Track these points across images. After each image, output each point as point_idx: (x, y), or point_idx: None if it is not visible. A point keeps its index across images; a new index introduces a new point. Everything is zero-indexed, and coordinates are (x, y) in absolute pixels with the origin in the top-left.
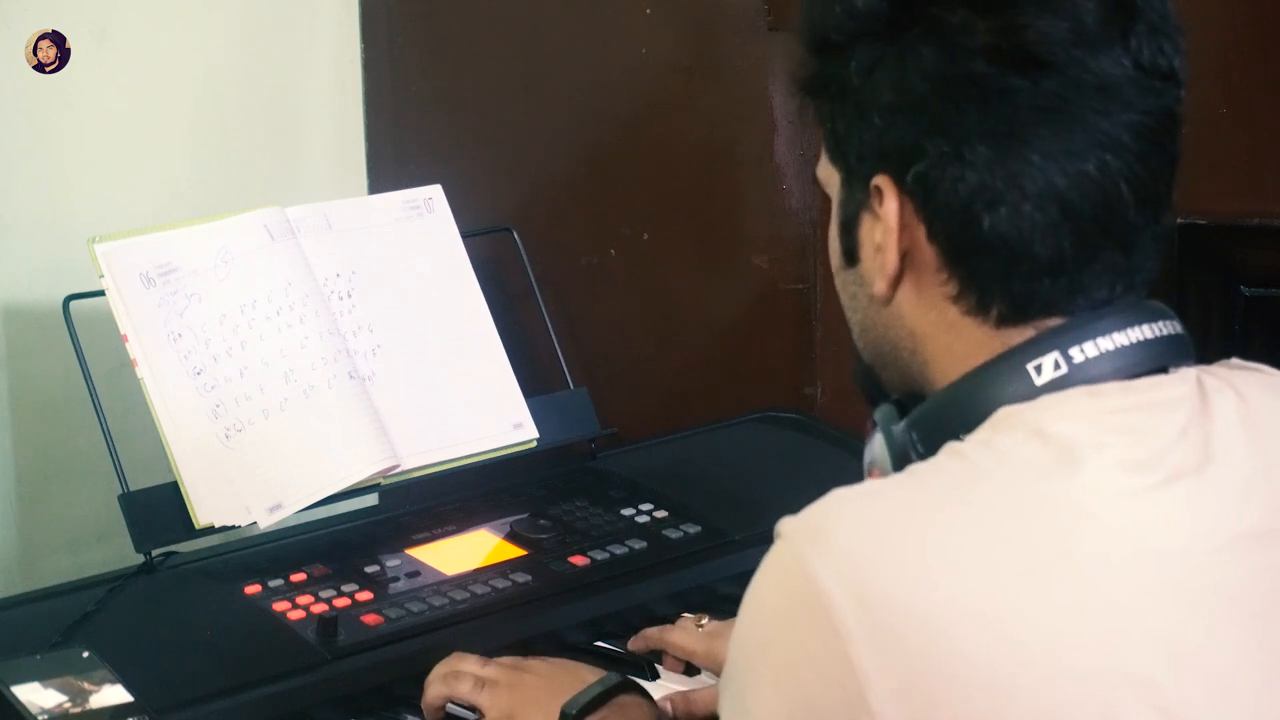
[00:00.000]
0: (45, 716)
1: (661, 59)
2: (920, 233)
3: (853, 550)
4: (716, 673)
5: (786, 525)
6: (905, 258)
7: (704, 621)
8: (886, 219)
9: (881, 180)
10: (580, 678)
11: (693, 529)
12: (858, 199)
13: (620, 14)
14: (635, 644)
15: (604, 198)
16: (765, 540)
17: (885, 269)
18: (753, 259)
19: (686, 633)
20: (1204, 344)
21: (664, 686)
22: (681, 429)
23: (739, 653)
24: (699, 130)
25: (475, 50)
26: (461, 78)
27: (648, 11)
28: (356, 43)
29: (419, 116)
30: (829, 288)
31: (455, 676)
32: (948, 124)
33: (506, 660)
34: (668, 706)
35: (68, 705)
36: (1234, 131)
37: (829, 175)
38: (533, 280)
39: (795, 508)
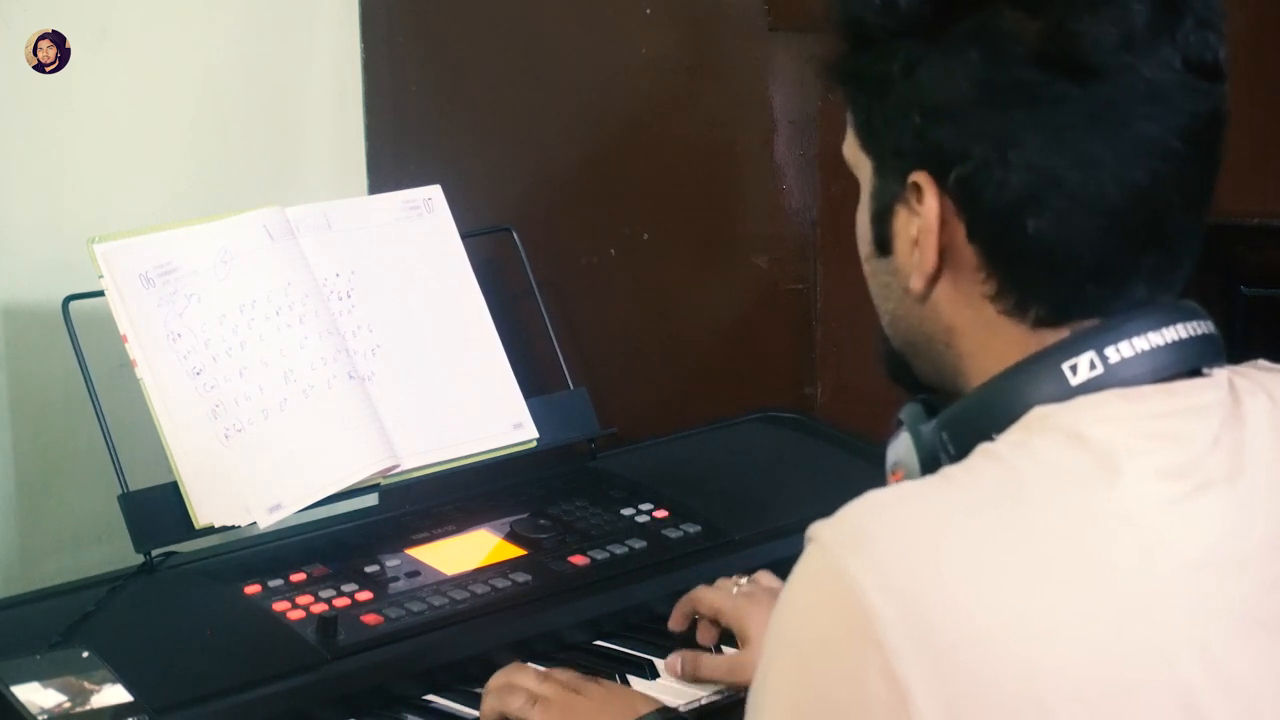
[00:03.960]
0: (45, 716)
1: (661, 59)
2: (960, 232)
3: (895, 560)
4: (740, 632)
5: (822, 531)
6: (943, 255)
7: (742, 581)
8: (926, 218)
9: (920, 178)
10: (634, 708)
11: (693, 529)
12: (892, 191)
13: (620, 14)
14: (674, 621)
15: (604, 198)
16: (765, 540)
17: (923, 266)
18: (753, 259)
19: (719, 591)
20: None
21: (664, 685)
22: (681, 429)
23: (771, 665)
24: (699, 130)
25: (475, 50)
26: (461, 78)
27: (648, 11)
28: (356, 43)
29: (419, 116)
30: (829, 288)
31: (509, 690)
32: (994, 128)
33: (564, 677)
34: (676, 664)
35: (68, 705)
36: (1234, 131)
37: (859, 160)
38: (532, 280)
39: (795, 507)
